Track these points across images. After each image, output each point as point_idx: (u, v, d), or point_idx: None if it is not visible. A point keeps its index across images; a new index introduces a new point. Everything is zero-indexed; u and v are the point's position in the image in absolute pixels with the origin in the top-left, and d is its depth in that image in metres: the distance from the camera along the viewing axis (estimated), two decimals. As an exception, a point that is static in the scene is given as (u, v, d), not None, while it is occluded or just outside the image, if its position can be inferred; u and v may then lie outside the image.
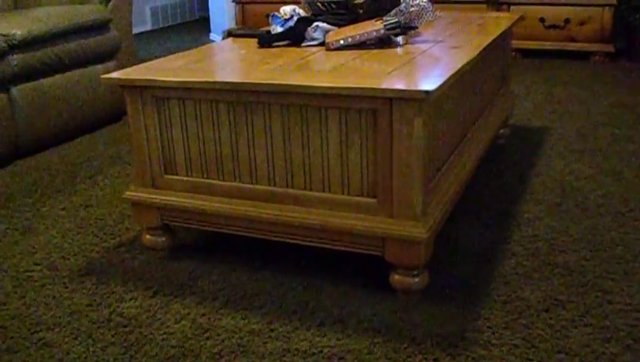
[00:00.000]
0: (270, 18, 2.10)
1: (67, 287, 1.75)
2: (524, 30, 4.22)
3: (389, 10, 1.99)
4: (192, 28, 6.26)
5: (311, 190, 1.63)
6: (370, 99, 1.49)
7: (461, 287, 1.67)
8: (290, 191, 1.65)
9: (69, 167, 2.64)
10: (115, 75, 1.74)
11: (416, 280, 1.59)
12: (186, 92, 1.67)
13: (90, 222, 2.13)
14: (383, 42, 1.94)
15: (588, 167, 2.42)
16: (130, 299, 1.67)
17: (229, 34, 2.26)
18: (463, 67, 1.68)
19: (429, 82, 1.49)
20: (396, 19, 1.90)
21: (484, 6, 4.29)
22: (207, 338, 1.51)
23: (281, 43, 2.03)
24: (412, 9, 1.95)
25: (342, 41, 1.90)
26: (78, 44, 2.95)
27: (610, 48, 4.13)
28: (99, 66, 3.10)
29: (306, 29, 2.00)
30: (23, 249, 1.97)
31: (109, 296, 1.70)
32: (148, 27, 6.19)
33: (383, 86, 1.47)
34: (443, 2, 4.13)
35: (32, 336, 1.54)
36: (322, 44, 1.97)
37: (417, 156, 1.50)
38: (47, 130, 2.84)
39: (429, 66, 1.67)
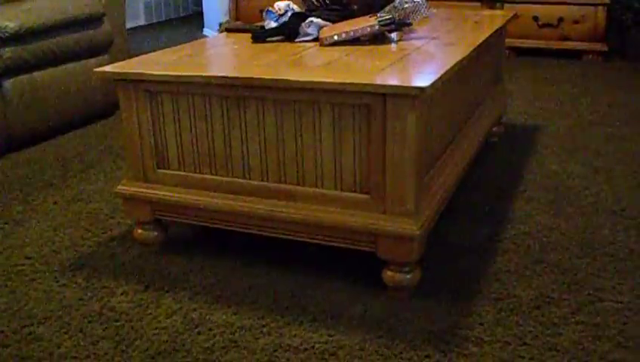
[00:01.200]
0: (264, 13, 2.10)
1: (58, 281, 1.74)
2: (518, 28, 4.23)
3: (383, 7, 1.99)
4: (186, 23, 6.24)
5: (304, 185, 1.63)
6: (364, 95, 1.49)
7: (453, 284, 1.67)
8: (283, 186, 1.65)
9: (60, 160, 2.63)
10: (108, 68, 1.74)
11: (409, 276, 1.59)
12: (179, 86, 1.66)
13: (81, 216, 2.12)
14: (377, 38, 1.93)
15: (580, 165, 2.43)
16: (122, 294, 1.67)
17: (227, 29, 2.25)
18: (456, 64, 1.68)
19: (423, 78, 1.49)
20: (390, 16, 1.90)
21: (479, 4, 4.29)
22: (199, 333, 1.50)
23: (274, 38, 2.02)
24: (406, 5, 1.95)
25: (336, 37, 1.90)
26: (71, 38, 2.94)
27: (603, 47, 4.14)
28: (92, 60, 3.09)
29: (300, 25, 2.00)
30: (13, 242, 1.96)
31: (100, 290, 1.69)
32: (141, 22, 6.17)
33: (377, 82, 1.47)
34: (437, -1, 4.13)
35: (22, 330, 1.53)
36: (316, 39, 1.97)
37: (410, 152, 1.49)
38: (39, 124, 2.82)
39: (423, 63, 1.67)
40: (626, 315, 1.53)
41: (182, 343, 1.47)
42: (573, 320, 1.52)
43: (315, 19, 2.00)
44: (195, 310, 1.59)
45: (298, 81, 1.52)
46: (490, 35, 2.14)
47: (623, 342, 1.43)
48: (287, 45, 1.94)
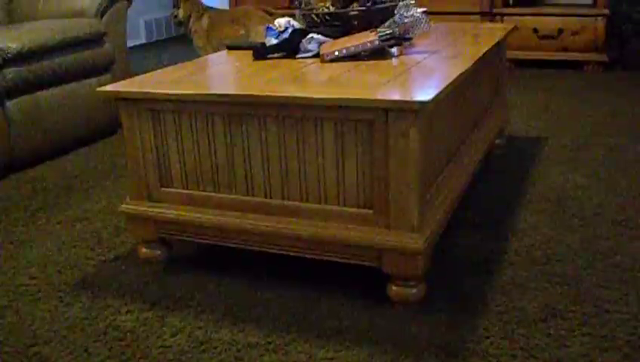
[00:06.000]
0: (265, 30, 2.11)
1: (63, 301, 1.74)
2: (518, 41, 4.24)
3: (384, 22, 2.00)
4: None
5: (307, 201, 1.63)
6: (366, 110, 1.49)
7: (459, 298, 1.66)
8: (287, 203, 1.65)
9: (64, 180, 2.63)
10: (110, 87, 1.74)
11: (414, 291, 1.58)
12: (182, 104, 1.67)
13: (85, 236, 2.12)
14: (378, 53, 1.94)
15: (583, 176, 2.43)
16: (127, 313, 1.67)
17: (228, 46, 2.27)
18: (458, 77, 1.68)
19: (425, 93, 1.49)
20: (391, 31, 1.91)
21: (478, 17, 4.31)
22: (204, 352, 1.50)
23: (275, 55, 2.03)
24: (406, 20, 1.95)
25: (337, 53, 1.91)
26: (73, 58, 2.95)
27: (603, 58, 4.15)
28: (93, 80, 3.10)
29: (300, 41, 2.01)
30: (18, 263, 1.96)
31: (105, 309, 1.69)
32: (142, 40, 6.19)
33: (379, 97, 1.47)
34: (437, 13, 4.14)
35: (27, 350, 1.53)
36: (317, 55, 1.98)
37: (413, 167, 1.50)
38: (42, 144, 2.83)
39: (424, 77, 1.68)
40: (634, 326, 1.52)
41: (187, 362, 1.47)
42: (579, 332, 1.51)
43: (315, 35, 2.01)
44: (200, 328, 1.59)
45: (300, 98, 1.53)
46: (491, 48, 2.15)
47: (631, 354, 1.43)
48: (289, 62, 1.95)
